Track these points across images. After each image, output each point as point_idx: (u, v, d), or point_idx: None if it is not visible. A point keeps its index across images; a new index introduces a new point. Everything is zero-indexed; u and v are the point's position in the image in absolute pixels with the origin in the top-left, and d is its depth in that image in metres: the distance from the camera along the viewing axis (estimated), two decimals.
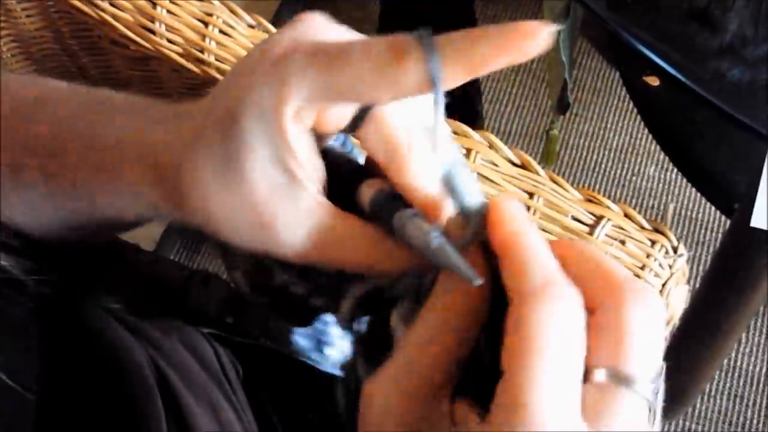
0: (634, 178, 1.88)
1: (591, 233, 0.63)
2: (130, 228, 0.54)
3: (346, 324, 0.44)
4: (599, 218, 0.63)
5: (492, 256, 0.36)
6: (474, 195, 0.37)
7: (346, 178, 0.44)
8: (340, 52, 0.39)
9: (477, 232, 0.37)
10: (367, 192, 0.43)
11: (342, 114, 0.42)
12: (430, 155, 0.42)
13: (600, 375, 0.34)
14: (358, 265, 0.42)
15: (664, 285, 0.63)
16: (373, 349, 0.41)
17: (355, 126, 0.43)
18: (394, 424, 0.35)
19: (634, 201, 1.85)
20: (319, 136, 0.43)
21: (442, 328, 0.36)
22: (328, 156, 0.43)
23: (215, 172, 0.42)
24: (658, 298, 0.35)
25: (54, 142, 0.48)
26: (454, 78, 0.37)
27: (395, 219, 0.41)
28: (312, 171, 0.42)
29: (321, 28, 0.41)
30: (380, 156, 0.43)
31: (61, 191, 0.48)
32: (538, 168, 0.65)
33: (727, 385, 1.66)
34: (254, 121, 0.40)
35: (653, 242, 0.64)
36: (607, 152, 1.91)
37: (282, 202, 0.41)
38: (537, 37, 0.36)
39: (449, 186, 0.37)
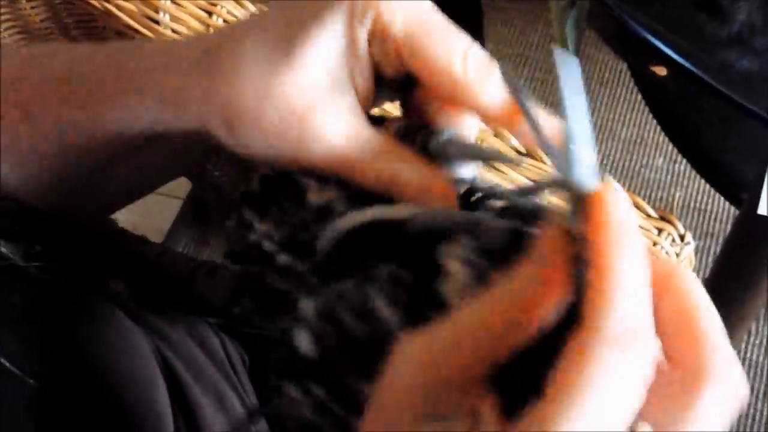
0: (642, 169, 1.88)
1: None
2: (126, 156, 0.51)
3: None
4: None
5: (578, 257, 0.31)
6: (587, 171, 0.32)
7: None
8: (448, 31, 0.41)
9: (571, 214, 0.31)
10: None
11: (398, 70, 0.42)
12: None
13: (644, 427, 0.32)
14: (382, 178, 0.41)
15: None
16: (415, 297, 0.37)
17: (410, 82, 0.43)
18: (412, 400, 0.32)
19: (642, 192, 1.85)
20: None
21: (503, 319, 0.32)
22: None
23: (264, 56, 0.41)
24: (739, 383, 0.32)
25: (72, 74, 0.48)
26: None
27: (432, 143, 0.41)
28: (363, 95, 0.42)
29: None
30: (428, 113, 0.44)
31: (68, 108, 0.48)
32: (544, 157, 0.64)
33: None
34: (335, 18, 0.40)
35: (660, 230, 0.63)
36: (615, 144, 1.91)
37: (328, 93, 0.41)
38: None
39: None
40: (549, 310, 0.32)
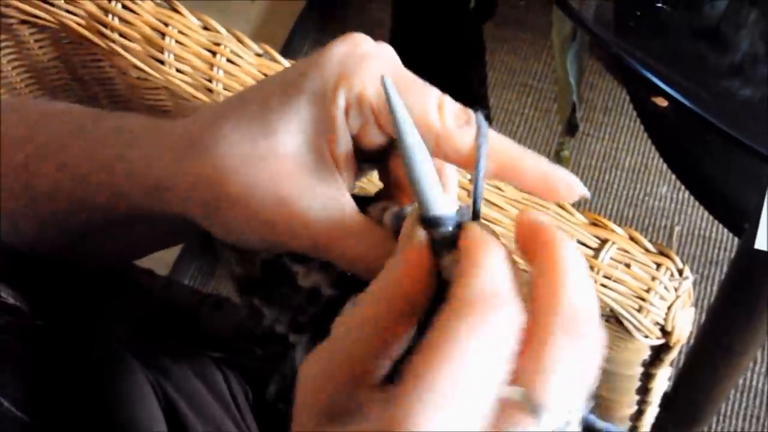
0: (646, 198, 1.88)
1: (596, 257, 0.63)
2: (117, 233, 0.52)
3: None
4: (604, 242, 0.64)
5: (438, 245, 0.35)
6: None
7: None
8: (419, 86, 0.41)
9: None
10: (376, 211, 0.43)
11: (377, 140, 0.43)
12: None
13: (515, 393, 0.31)
14: (361, 262, 0.42)
15: (669, 308, 0.63)
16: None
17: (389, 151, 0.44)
18: (312, 404, 0.34)
19: (646, 221, 1.85)
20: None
21: (372, 314, 0.34)
22: None
23: (247, 139, 0.41)
24: (599, 331, 0.33)
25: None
26: (486, 170, 0.40)
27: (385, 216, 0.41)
28: (344, 168, 0.42)
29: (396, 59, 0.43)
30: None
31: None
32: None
33: (743, 405, 1.65)
34: (311, 95, 0.41)
35: (659, 265, 0.64)
36: (619, 172, 1.92)
37: (307, 181, 0.41)
38: (569, 191, 0.39)
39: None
40: (418, 296, 0.34)
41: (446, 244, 0.35)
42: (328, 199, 0.41)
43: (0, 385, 0.44)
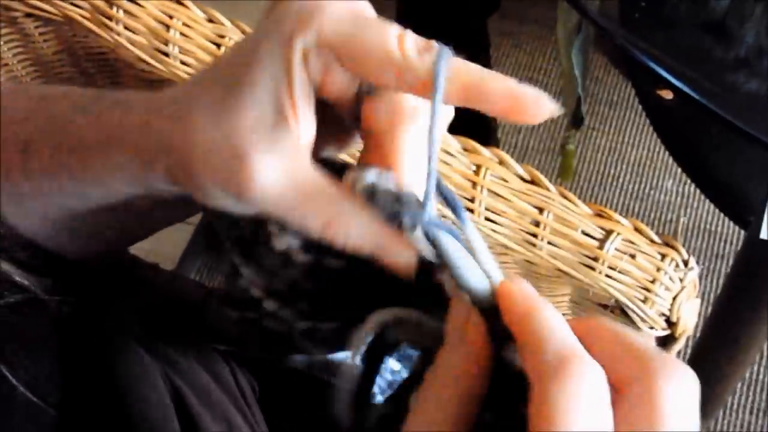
0: (652, 191, 1.88)
1: (601, 247, 0.63)
2: (121, 216, 0.52)
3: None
4: (609, 232, 0.64)
5: (498, 335, 0.36)
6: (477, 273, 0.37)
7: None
8: (377, 21, 0.40)
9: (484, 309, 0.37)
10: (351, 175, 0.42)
11: (344, 85, 0.42)
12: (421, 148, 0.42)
13: None
14: (320, 224, 0.41)
15: (674, 298, 0.63)
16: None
17: (360, 97, 0.43)
18: None
19: (652, 215, 1.85)
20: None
21: (439, 406, 0.36)
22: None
23: (211, 103, 0.41)
24: (689, 372, 0.34)
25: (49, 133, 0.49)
26: (450, 93, 0.38)
27: (365, 185, 0.41)
28: (303, 121, 0.41)
29: (365, 4, 0.42)
30: (380, 126, 0.43)
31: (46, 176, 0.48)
32: (548, 183, 0.65)
33: (749, 399, 1.65)
34: (269, 50, 0.40)
35: (663, 256, 0.64)
36: (624, 166, 1.91)
37: (262, 137, 0.40)
38: (537, 109, 0.38)
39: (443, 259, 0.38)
40: (479, 384, 0.36)
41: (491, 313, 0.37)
42: (284, 158, 0.40)
43: (15, 369, 0.45)
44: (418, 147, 0.43)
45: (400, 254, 0.40)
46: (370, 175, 0.41)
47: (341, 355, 0.49)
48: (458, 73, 0.39)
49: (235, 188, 0.41)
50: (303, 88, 0.41)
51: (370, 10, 0.42)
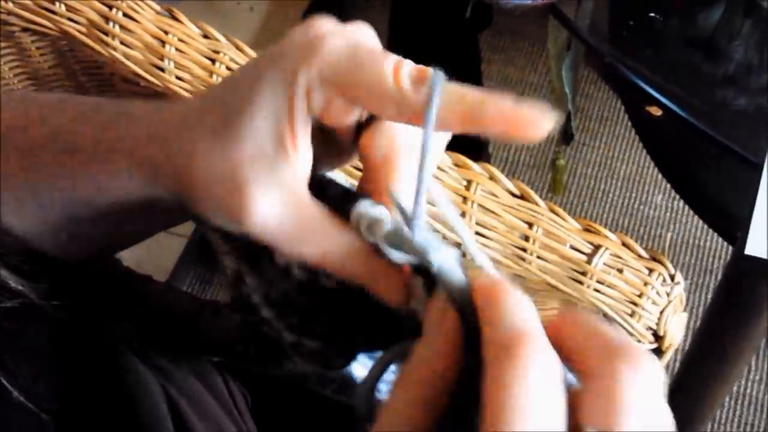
0: (641, 206, 1.89)
1: (589, 262, 0.64)
2: (120, 221, 0.52)
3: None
4: (597, 247, 0.65)
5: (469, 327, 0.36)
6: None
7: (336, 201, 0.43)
8: (375, 54, 0.40)
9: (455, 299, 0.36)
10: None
11: (344, 115, 0.42)
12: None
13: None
14: (315, 254, 0.42)
15: (661, 313, 0.64)
16: None
17: (359, 130, 0.43)
18: None
19: (641, 230, 1.86)
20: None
21: (412, 400, 0.35)
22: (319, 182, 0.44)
23: (212, 129, 0.42)
24: (655, 362, 0.34)
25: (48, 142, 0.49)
26: (447, 122, 0.39)
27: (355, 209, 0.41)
28: (302, 154, 0.42)
29: (365, 33, 0.43)
30: (377, 158, 0.43)
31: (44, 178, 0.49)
32: (537, 199, 0.66)
33: (737, 413, 1.65)
34: (271, 81, 0.41)
35: (651, 270, 0.65)
36: (614, 181, 1.92)
37: (262, 169, 0.41)
38: (536, 127, 0.38)
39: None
40: (451, 374, 0.35)
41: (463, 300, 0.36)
42: (281, 190, 0.41)
43: (11, 375, 0.45)
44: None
45: (391, 287, 0.41)
46: (374, 211, 0.41)
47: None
48: (456, 101, 0.39)
49: (235, 218, 0.41)
50: (303, 120, 0.41)
51: (369, 38, 0.42)
